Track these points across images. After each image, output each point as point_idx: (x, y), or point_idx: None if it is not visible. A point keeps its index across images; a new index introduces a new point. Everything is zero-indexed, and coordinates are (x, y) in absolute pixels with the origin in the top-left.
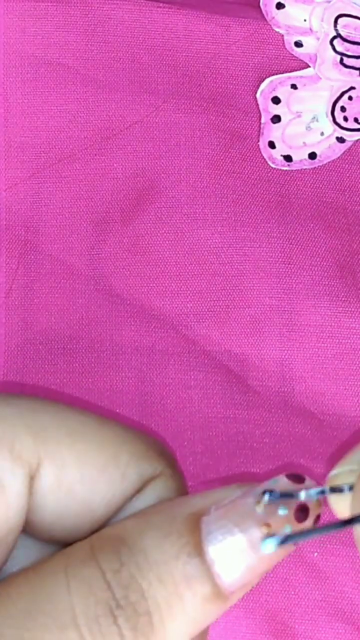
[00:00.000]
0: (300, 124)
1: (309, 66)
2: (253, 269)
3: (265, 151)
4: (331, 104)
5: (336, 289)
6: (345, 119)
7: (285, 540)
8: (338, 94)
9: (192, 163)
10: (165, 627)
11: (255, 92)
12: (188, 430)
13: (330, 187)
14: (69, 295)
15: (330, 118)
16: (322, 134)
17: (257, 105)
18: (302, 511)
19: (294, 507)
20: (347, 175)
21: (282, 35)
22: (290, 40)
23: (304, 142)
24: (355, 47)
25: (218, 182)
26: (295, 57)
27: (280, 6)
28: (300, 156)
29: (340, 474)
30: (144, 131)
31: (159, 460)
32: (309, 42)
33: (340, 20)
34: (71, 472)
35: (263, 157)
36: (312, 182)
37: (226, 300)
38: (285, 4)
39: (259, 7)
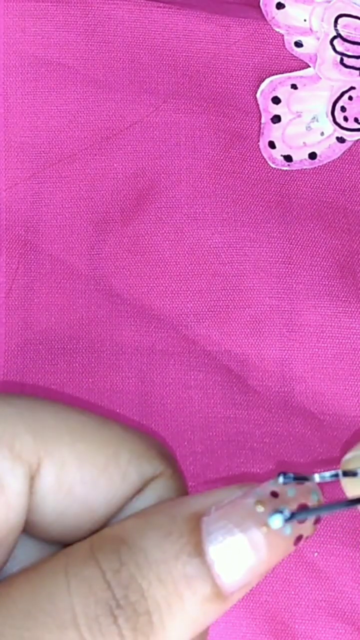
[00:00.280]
0: (301, 124)
1: (309, 66)
2: (253, 269)
3: (266, 151)
4: (331, 104)
5: (336, 289)
6: (346, 119)
7: (292, 516)
8: (338, 94)
9: (192, 163)
10: (165, 626)
11: (256, 92)
12: (188, 430)
13: (330, 187)
14: (69, 295)
15: (331, 118)
16: (322, 134)
17: (257, 105)
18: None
19: (295, 507)
20: (347, 175)
21: (282, 35)
22: (290, 40)
23: (304, 142)
24: (355, 47)
25: (218, 182)
26: (295, 57)
27: (280, 6)
28: (300, 156)
29: (354, 458)
30: (144, 131)
31: (159, 460)
32: (309, 42)
33: (340, 20)
34: (71, 471)
35: (263, 157)
36: (312, 182)
37: (226, 300)
38: (285, 4)
39: (259, 7)
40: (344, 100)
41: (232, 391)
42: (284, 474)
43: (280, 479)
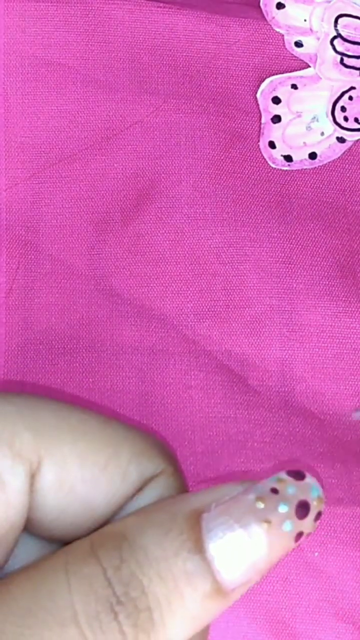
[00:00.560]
0: (301, 124)
1: (309, 66)
2: (253, 269)
3: (266, 151)
4: (331, 104)
5: (336, 289)
6: (346, 119)
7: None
8: (338, 94)
9: (192, 163)
10: (166, 623)
11: (256, 92)
12: (188, 430)
13: (330, 187)
14: (69, 295)
15: (331, 118)
16: (322, 134)
17: (257, 105)
18: (303, 507)
19: (295, 503)
20: (348, 175)
21: (282, 35)
22: (290, 40)
23: (304, 142)
24: (355, 47)
25: (218, 182)
26: (295, 57)
27: (280, 6)
28: (300, 156)
29: None
30: (144, 131)
31: (159, 458)
32: (309, 42)
33: (340, 20)
34: (72, 470)
35: (263, 157)
36: (312, 182)
37: (226, 300)
38: (286, 4)
39: (259, 7)
40: (344, 100)
41: (233, 391)
42: (285, 470)
43: (281, 475)
